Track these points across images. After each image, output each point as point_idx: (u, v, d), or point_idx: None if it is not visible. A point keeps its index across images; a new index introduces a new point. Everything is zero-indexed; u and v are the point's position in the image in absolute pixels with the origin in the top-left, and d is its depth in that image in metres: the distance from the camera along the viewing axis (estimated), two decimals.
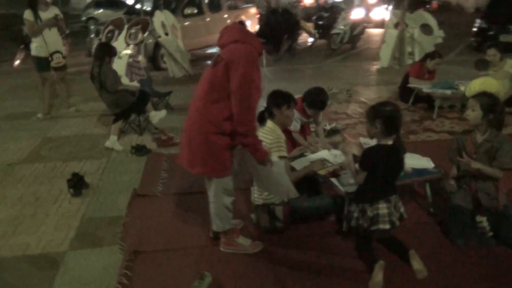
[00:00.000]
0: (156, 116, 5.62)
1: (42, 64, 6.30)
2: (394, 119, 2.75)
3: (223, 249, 3.15)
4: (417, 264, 2.84)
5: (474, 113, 3.10)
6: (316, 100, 3.90)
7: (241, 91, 2.56)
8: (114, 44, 9.10)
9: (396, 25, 10.03)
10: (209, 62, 3.14)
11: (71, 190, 4.10)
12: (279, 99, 3.28)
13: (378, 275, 2.75)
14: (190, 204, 3.84)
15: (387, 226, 2.88)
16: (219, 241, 3.19)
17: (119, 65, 9.03)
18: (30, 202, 3.98)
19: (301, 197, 3.41)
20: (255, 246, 3.15)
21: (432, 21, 9.77)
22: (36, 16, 6.05)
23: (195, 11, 11.34)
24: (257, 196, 3.29)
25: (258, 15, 15.13)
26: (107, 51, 5.40)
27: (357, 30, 13.89)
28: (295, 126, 3.89)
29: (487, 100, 3.07)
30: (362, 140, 4.14)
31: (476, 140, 3.17)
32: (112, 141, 5.25)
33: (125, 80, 8.88)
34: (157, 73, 9.55)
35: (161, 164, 4.72)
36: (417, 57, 9.90)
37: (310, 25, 14.03)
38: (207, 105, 2.68)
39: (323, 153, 3.67)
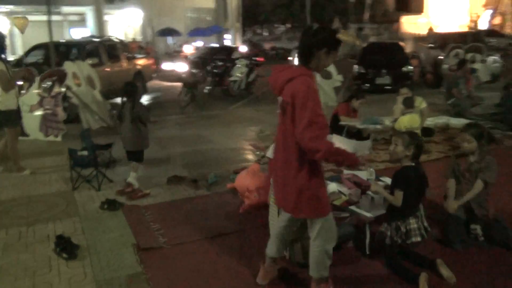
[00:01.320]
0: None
1: (15, 116, 5.83)
2: (422, 148, 3.33)
3: None
4: (446, 271, 3.26)
5: (470, 145, 3.72)
6: None
7: (308, 119, 2.60)
8: (24, 97, 8.39)
9: None
10: None
11: (64, 254, 3.71)
12: None
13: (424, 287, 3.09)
14: (206, 251, 3.79)
15: (419, 239, 3.32)
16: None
17: (30, 120, 8.30)
18: (19, 273, 3.51)
19: None
20: None
21: (331, 66, 10.94)
22: (7, 67, 5.50)
23: (96, 61, 11.14)
24: None
25: (154, 66, 15.35)
26: (136, 89, 5.27)
27: (251, 77, 14.85)
28: None
29: (476, 130, 3.72)
30: (346, 172, 4.53)
31: (469, 161, 3.80)
32: (132, 177, 5.20)
33: (39, 135, 8.22)
34: (72, 126, 8.84)
35: (144, 216, 4.52)
36: (321, 99, 10.91)
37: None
38: (295, 154, 2.75)
39: (331, 187, 3.94)
